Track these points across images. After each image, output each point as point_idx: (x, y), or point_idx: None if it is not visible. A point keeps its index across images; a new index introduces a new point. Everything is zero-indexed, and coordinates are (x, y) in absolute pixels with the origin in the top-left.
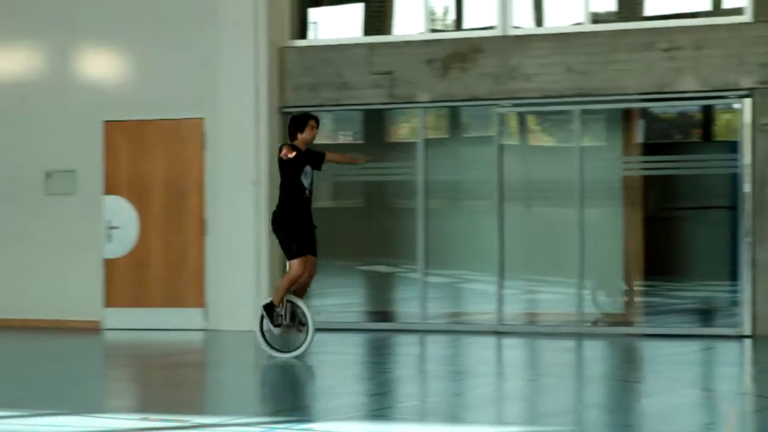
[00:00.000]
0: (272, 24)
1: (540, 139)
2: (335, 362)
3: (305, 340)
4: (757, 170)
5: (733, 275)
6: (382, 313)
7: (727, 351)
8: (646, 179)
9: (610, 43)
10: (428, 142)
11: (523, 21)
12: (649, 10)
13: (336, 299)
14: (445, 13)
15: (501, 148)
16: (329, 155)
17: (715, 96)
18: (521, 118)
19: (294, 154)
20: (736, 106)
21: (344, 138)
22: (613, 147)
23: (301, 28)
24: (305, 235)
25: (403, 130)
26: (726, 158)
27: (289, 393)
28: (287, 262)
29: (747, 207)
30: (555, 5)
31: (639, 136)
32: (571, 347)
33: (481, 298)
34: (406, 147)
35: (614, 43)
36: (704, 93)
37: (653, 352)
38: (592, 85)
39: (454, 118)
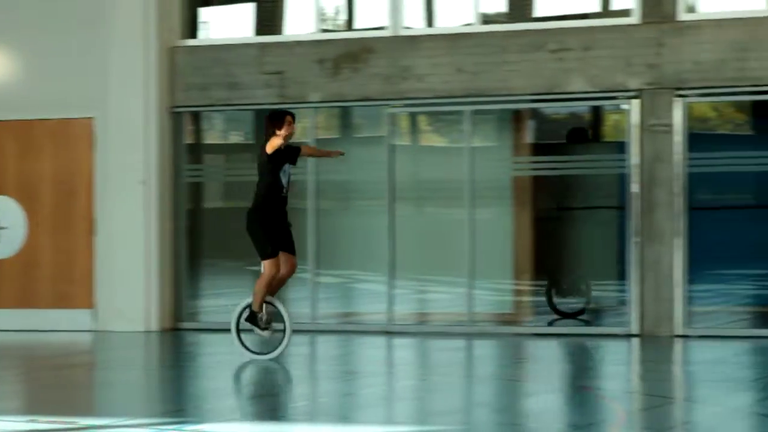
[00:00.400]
0: (162, 23)
1: (431, 139)
2: (225, 363)
3: (282, 340)
4: (644, 171)
5: (621, 275)
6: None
7: (615, 350)
8: (536, 179)
9: (500, 43)
10: (319, 142)
11: (414, 21)
12: (538, 11)
13: (227, 300)
14: (337, 13)
15: (392, 149)
16: (304, 149)
17: (604, 97)
18: (412, 118)
19: (283, 140)
20: (624, 107)
21: (235, 138)
22: (503, 147)
23: (191, 28)
24: (281, 235)
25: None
26: (614, 159)
27: (178, 394)
28: (262, 264)
29: (635, 207)
30: (446, 6)
31: (529, 137)
32: (461, 347)
33: (371, 298)
34: None
35: (504, 44)
36: (593, 94)
37: (542, 351)
38: (482, 86)
39: (345, 119)
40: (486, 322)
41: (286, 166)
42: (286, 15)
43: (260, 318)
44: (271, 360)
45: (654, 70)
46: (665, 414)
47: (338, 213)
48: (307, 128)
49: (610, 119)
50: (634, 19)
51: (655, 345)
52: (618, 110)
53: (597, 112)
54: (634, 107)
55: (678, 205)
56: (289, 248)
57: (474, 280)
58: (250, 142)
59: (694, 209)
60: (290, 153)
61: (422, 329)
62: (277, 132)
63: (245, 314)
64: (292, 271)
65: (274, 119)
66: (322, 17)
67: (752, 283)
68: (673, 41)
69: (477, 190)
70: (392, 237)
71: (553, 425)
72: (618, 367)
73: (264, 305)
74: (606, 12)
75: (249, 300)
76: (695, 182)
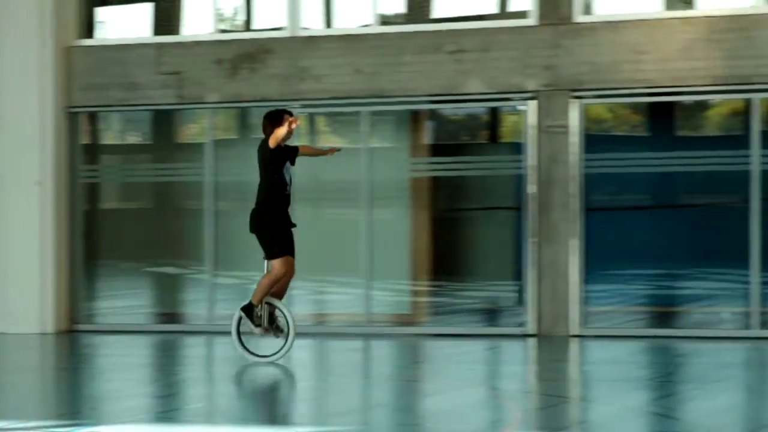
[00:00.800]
0: (58, 23)
1: (329, 140)
2: (122, 364)
3: (285, 343)
4: (542, 171)
5: (518, 275)
6: (170, 314)
7: (512, 350)
8: (434, 180)
9: (398, 44)
10: (217, 143)
11: (312, 22)
12: (436, 12)
13: (123, 301)
14: (235, 13)
15: None
16: (302, 149)
17: (501, 98)
18: (310, 119)
19: (288, 127)
20: (521, 108)
21: (133, 139)
22: (401, 148)
23: (88, 28)
24: (286, 235)
25: (192, 130)
26: (511, 159)
27: (73, 396)
28: (267, 262)
29: (532, 208)
30: (344, 7)
31: (427, 138)
32: (359, 347)
33: None
34: (195, 148)
35: (402, 45)
36: (490, 95)
37: (440, 351)
38: (380, 87)
39: (243, 119)
40: (384, 323)
41: (288, 164)
42: (184, 15)
43: (256, 313)
44: (272, 363)
45: (550, 71)
46: (561, 413)
47: (236, 214)
48: (205, 129)
49: (507, 120)
50: (531, 20)
51: (551, 345)
52: (515, 111)
53: (494, 113)
54: (530, 108)
55: (574, 206)
56: (290, 251)
57: (372, 281)
58: (148, 142)
59: (590, 210)
60: (289, 152)
61: (320, 330)
62: (277, 130)
63: (242, 315)
64: (291, 273)
65: (273, 118)
66: (220, 17)
67: (648, 283)
68: (570, 43)
69: (375, 191)
70: None
71: (451, 426)
72: (515, 367)
73: (264, 306)
74: (503, 14)
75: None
76: (591, 183)
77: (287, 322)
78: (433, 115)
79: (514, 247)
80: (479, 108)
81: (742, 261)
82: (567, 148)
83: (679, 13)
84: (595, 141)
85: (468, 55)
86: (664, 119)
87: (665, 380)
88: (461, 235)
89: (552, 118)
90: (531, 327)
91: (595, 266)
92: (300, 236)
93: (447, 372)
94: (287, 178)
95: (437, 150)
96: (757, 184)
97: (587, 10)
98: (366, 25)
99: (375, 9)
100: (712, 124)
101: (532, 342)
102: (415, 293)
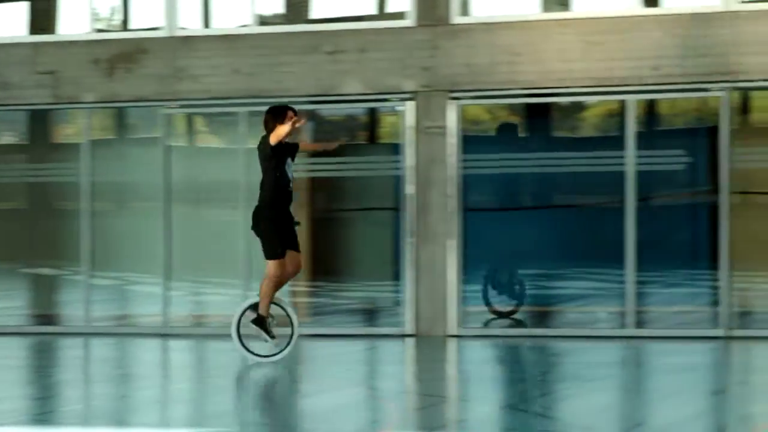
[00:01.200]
0: None
1: (207, 140)
2: None
3: (288, 342)
4: (420, 172)
5: (396, 275)
6: (45, 316)
7: (391, 350)
8: (313, 180)
9: (276, 45)
10: (94, 143)
11: (190, 22)
12: (314, 13)
13: None
14: (112, 13)
15: (168, 150)
16: (303, 145)
17: (379, 99)
18: (189, 119)
19: (292, 125)
20: (400, 108)
21: (7, 139)
22: None
23: None
24: (289, 232)
25: (68, 130)
26: (390, 160)
27: None
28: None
29: (410, 208)
30: (222, 7)
31: (306, 138)
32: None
33: (146, 300)
34: (71, 148)
35: (280, 46)
36: (368, 96)
37: (318, 352)
38: (259, 87)
39: (120, 119)
40: None
41: (289, 160)
42: (60, 14)
43: (269, 323)
44: (274, 362)
45: (428, 72)
46: (439, 413)
47: (113, 214)
48: (82, 129)
49: (385, 121)
50: (408, 21)
51: (429, 345)
52: (393, 112)
53: (373, 114)
54: (408, 109)
55: (452, 207)
56: (295, 246)
57: (250, 281)
58: (23, 142)
59: (468, 210)
60: (290, 149)
61: (199, 331)
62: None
63: (245, 317)
64: (298, 269)
65: (275, 114)
66: (96, 17)
67: (525, 283)
68: (447, 44)
69: (253, 191)
70: (168, 239)
71: (329, 426)
72: (393, 367)
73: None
74: (381, 14)
75: (249, 302)
76: (469, 184)
77: (290, 320)
78: (311, 115)
79: (393, 248)
80: (358, 109)
81: (618, 261)
82: (445, 149)
83: (556, 15)
84: (472, 141)
85: (346, 55)
86: (541, 120)
87: (542, 379)
88: (340, 235)
89: (430, 119)
90: (409, 327)
91: (472, 266)
92: (178, 237)
93: (326, 372)
94: (289, 175)
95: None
96: (632, 184)
97: (464, 11)
98: (244, 26)
99: (253, 9)
100: (588, 126)
101: (410, 342)
102: (294, 294)
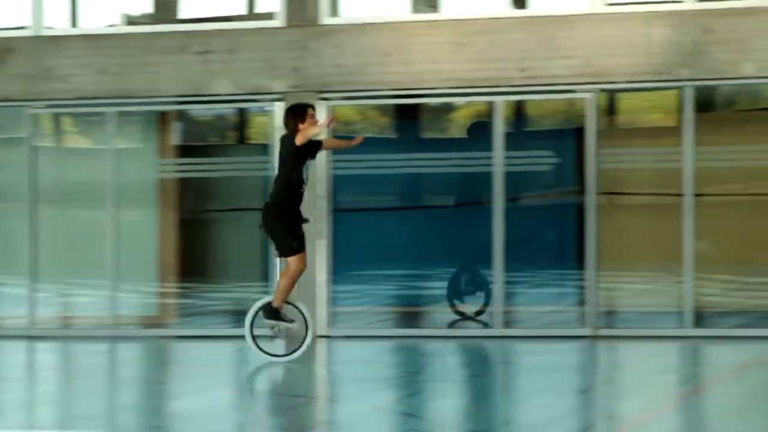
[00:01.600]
0: None
1: (75, 140)
2: None
3: (303, 341)
4: None
5: (266, 276)
6: None
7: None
8: (183, 181)
9: (144, 45)
10: None
11: (56, 21)
12: (183, 13)
13: None
14: None
15: (34, 150)
16: (326, 142)
17: (249, 99)
18: (55, 119)
19: (324, 126)
20: (269, 109)
21: None
22: (148, 149)
23: None
24: (300, 230)
25: None
26: (259, 161)
27: None
28: (280, 260)
29: None
30: (89, 6)
31: (175, 139)
32: (106, 350)
33: (12, 301)
34: None
35: (149, 45)
36: (238, 96)
37: (187, 353)
38: (127, 87)
39: None
40: (131, 325)
41: (308, 160)
42: None
43: (284, 313)
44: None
45: (298, 73)
46: (308, 413)
47: None
48: None
49: (255, 122)
50: (278, 22)
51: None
52: (263, 113)
53: (242, 114)
54: (278, 110)
55: (322, 207)
56: (302, 244)
57: (119, 282)
58: None
59: (338, 211)
60: (312, 147)
61: (66, 333)
62: (300, 126)
63: (259, 315)
64: (303, 268)
65: (296, 112)
66: None
67: (395, 284)
68: (316, 45)
69: (122, 192)
70: (34, 240)
71: (198, 427)
72: (263, 368)
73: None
74: (251, 15)
75: (262, 301)
76: (340, 184)
77: (305, 319)
78: (181, 115)
79: (262, 249)
80: (227, 109)
81: (486, 261)
82: None
83: (425, 17)
84: None
85: (215, 56)
86: (410, 121)
87: (411, 379)
88: (209, 236)
89: None
90: None
91: (342, 267)
92: (45, 238)
93: (195, 373)
94: (305, 176)
95: (185, 151)
96: (500, 185)
97: (334, 12)
98: (112, 25)
99: (121, 9)
100: (457, 127)
101: (280, 342)
102: (163, 295)
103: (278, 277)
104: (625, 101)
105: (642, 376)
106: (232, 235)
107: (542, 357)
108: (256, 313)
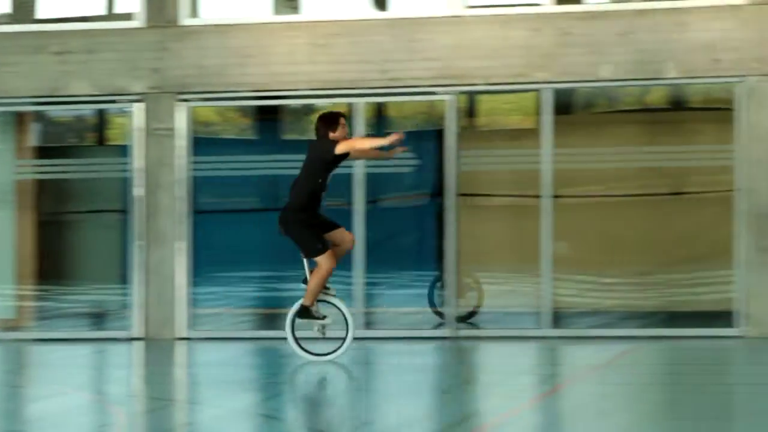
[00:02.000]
0: None
1: None
2: None
3: (344, 341)
4: (149, 175)
5: (125, 278)
6: None
7: (118, 353)
8: (40, 183)
9: (1, 45)
10: None
11: None
12: (41, 12)
13: None
14: None
15: None
16: (354, 152)
17: (107, 100)
18: None
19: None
20: (128, 110)
21: None
22: (5, 150)
23: None
24: (321, 224)
25: None
26: (118, 162)
27: None
28: (306, 260)
29: (138, 211)
30: None
31: (32, 140)
32: None
33: None
34: None
35: (5, 46)
36: (97, 97)
37: (44, 356)
38: None
39: None
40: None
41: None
42: None
43: (314, 310)
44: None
45: (157, 74)
46: (167, 416)
47: None
48: None
49: (114, 123)
50: (137, 22)
51: (158, 348)
52: (122, 114)
53: (101, 115)
54: (137, 111)
55: (181, 209)
56: (332, 227)
57: None
58: None
59: (198, 213)
60: (343, 156)
61: None
62: (332, 134)
63: (296, 315)
64: (334, 265)
65: (328, 121)
66: None
67: (255, 286)
68: (176, 46)
69: None
70: None
71: (55, 431)
72: (121, 371)
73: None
74: (110, 15)
75: (300, 303)
76: (199, 186)
77: (345, 319)
78: (38, 116)
79: (121, 251)
80: (86, 110)
81: (346, 263)
82: (174, 151)
83: (285, 18)
84: (202, 144)
85: (73, 56)
86: (271, 123)
87: (271, 382)
88: (67, 238)
89: (158, 121)
90: (137, 330)
91: (202, 269)
92: None
93: (52, 377)
94: (328, 183)
95: (43, 152)
96: (361, 186)
97: (194, 13)
98: None
99: None
100: None
101: (138, 345)
102: (20, 297)
103: (307, 276)
104: (484, 103)
105: (501, 376)
106: (90, 237)
107: (402, 358)
108: (295, 314)
